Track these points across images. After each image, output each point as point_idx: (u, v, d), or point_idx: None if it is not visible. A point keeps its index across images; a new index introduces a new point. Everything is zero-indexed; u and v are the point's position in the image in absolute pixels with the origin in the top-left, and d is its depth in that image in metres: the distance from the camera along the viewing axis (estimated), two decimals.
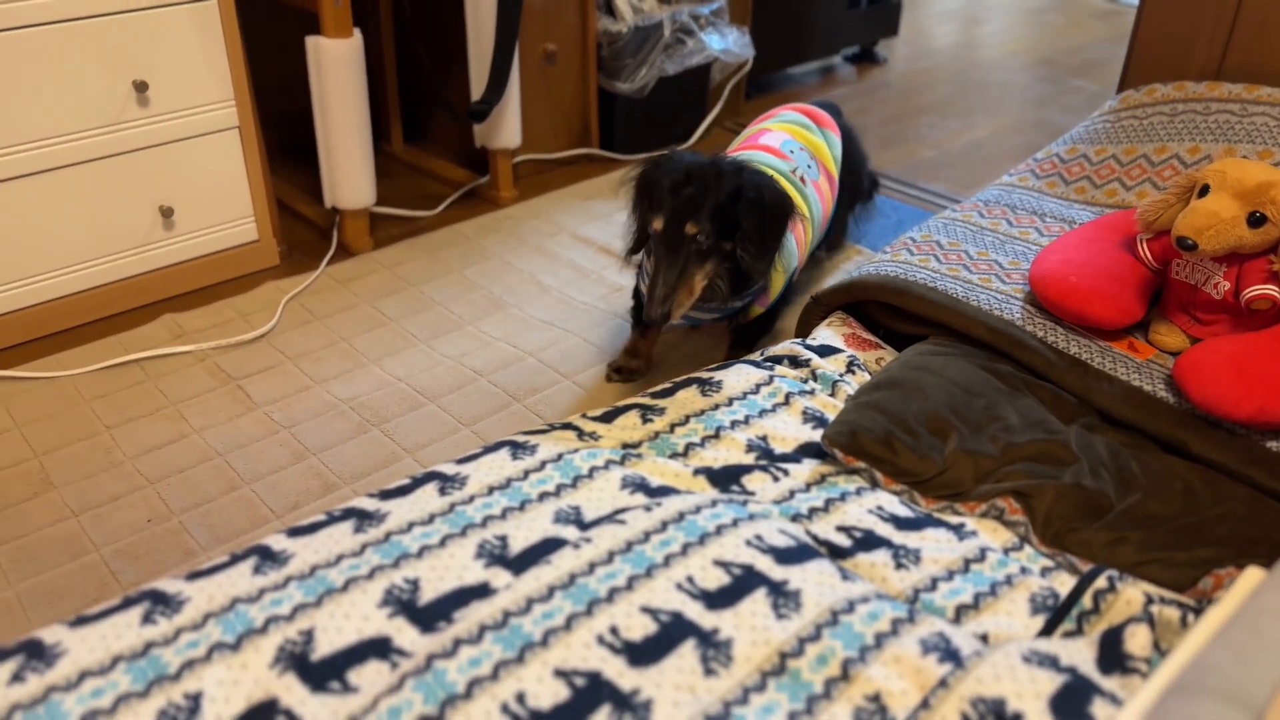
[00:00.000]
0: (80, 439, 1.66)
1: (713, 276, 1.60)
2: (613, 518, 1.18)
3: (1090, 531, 1.22)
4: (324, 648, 0.98)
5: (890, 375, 1.45)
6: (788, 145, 1.89)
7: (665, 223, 1.54)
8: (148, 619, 1.01)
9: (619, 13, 2.65)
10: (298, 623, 1.01)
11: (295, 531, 1.17)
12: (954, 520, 1.26)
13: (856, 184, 2.16)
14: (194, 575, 1.09)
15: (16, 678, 0.94)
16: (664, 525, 1.14)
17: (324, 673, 0.95)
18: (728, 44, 2.84)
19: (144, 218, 1.98)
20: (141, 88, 1.88)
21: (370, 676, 0.95)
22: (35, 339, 1.93)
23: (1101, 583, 1.07)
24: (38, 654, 0.97)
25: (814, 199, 1.87)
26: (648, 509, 1.18)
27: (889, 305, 1.70)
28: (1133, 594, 1.05)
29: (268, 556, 1.11)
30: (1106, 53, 3.98)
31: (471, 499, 1.24)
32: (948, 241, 1.82)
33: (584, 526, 1.18)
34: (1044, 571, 1.19)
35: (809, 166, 1.89)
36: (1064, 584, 1.15)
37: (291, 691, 0.93)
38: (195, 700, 0.92)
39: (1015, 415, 1.38)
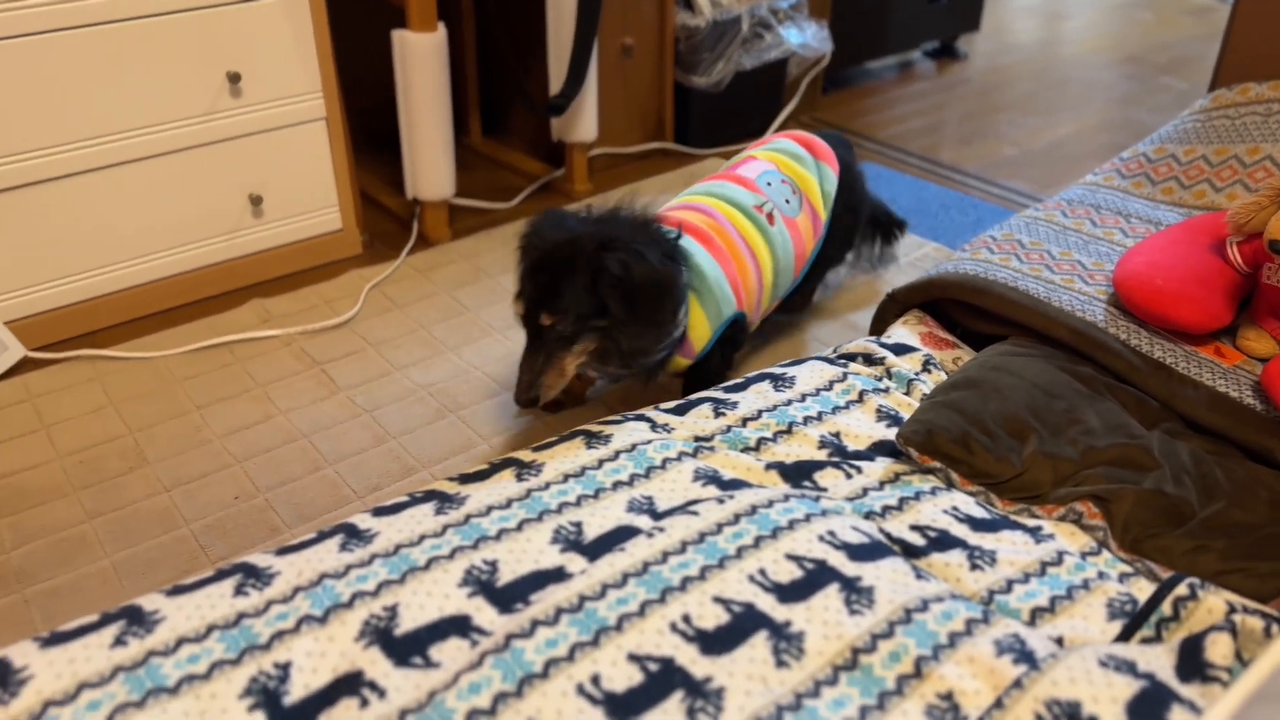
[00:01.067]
0: (172, 417, 1.72)
1: (592, 354, 1.49)
2: (685, 508, 1.19)
3: (1171, 538, 1.20)
4: (407, 623, 1.01)
5: (968, 375, 1.44)
6: (765, 177, 1.76)
7: (525, 310, 1.46)
8: (240, 590, 1.05)
9: (697, 7, 2.65)
10: (382, 598, 1.04)
11: (379, 511, 1.21)
12: (1031, 523, 1.25)
13: (850, 227, 1.94)
14: (283, 550, 1.13)
15: (119, 641, 0.99)
16: (736, 518, 1.15)
17: (407, 647, 0.99)
18: (806, 38, 2.83)
19: (235, 205, 2.05)
20: (235, 79, 1.94)
21: (451, 653, 0.98)
22: (131, 320, 2.01)
23: (1182, 590, 1.06)
24: (138, 620, 1.02)
25: (782, 238, 1.72)
26: (720, 501, 1.19)
27: (967, 304, 1.68)
28: (1214, 602, 1.04)
29: (354, 534, 1.15)
30: (1197, 50, 3.87)
31: (547, 485, 1.26)
32: (1030, 241, 1.79)
33: (657, 516, 1.20)
34: (1122, 577, 1.17)
35: (786, 202, 1.75)
36: (1142, 590, 1.14)
37: (376, 665, 0.97)
38: (285, 669, 0.96)
39: (1096, 419, 1.36)
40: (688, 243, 1.58)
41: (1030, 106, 3.29)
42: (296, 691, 0.94)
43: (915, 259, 2.27)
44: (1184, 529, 1.20)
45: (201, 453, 1.64)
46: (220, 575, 1.09)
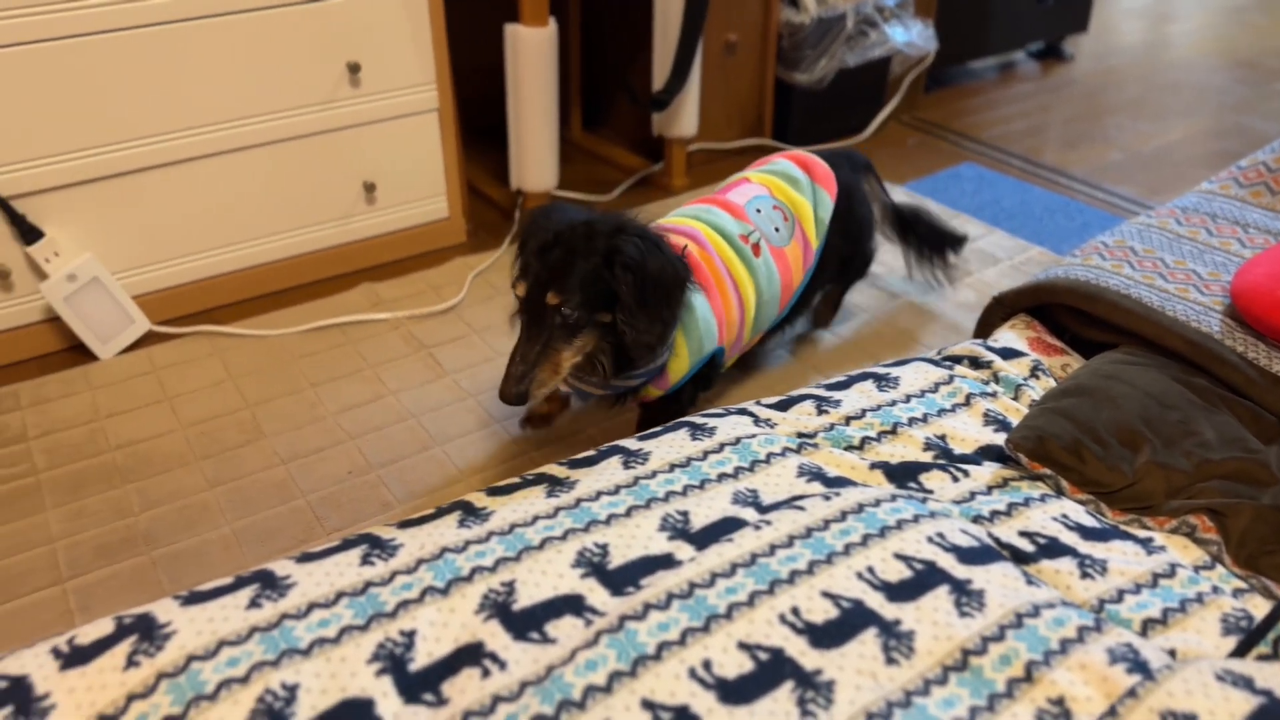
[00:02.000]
0: (287, 394, 1.79)
1: (590, 353, 1.41)
2: (791, 503, 1.21)
3: None
4: (524, 599, 1.05)
5: (1079, 382, 1.42)
6: (755, 203, 1.65)
7: (528, 290, 1.35)
8: (366, 560, 1.10)
9: (803, 4, 2.65)
10: (500, 574, 1.08)
11: (493, 491, 1.25)
12: (1142, 534, 1.24)
13: (848, 259, 1.83)
14: (405, 524, 1.18)
15: (254, 603, 1.05)
16: (843, 515, 1.16)
17: (524, 622, 1.02)
18: (911, 36, 2.81)
19: (349, 192, 2.12)
20: (354, 69, 2.01)
21: (566, 630, 1.02)
22: (248, 299, 2.09)
23: None
24: (271, 584, 1.08)
25: (768, 271, 1.62)
26: (826, 498, 1.20)
27: (1077, 310, 1.66)
28: None
29: (470, 512, 1.19)
30: None
31: (654, 474, 1.29)
32: (1142, 248, 1.76)
33: (762, 510, 1.22)
34: (1236, 593, 1.15)
35: (776, 230, 1.64)
36: (1258, 607, 1.12)
37: (496, 637, 1.00)
38: (410, 637, 1.00)
39: (1211, 431, 1.33)
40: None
41: (1138, 110, 3.21)
42: (421, 659, 0.98)
43: (1019, 262, 2.24)
44: None
45: (316, 428, 1.70)
46: (346, 545, 1.14)
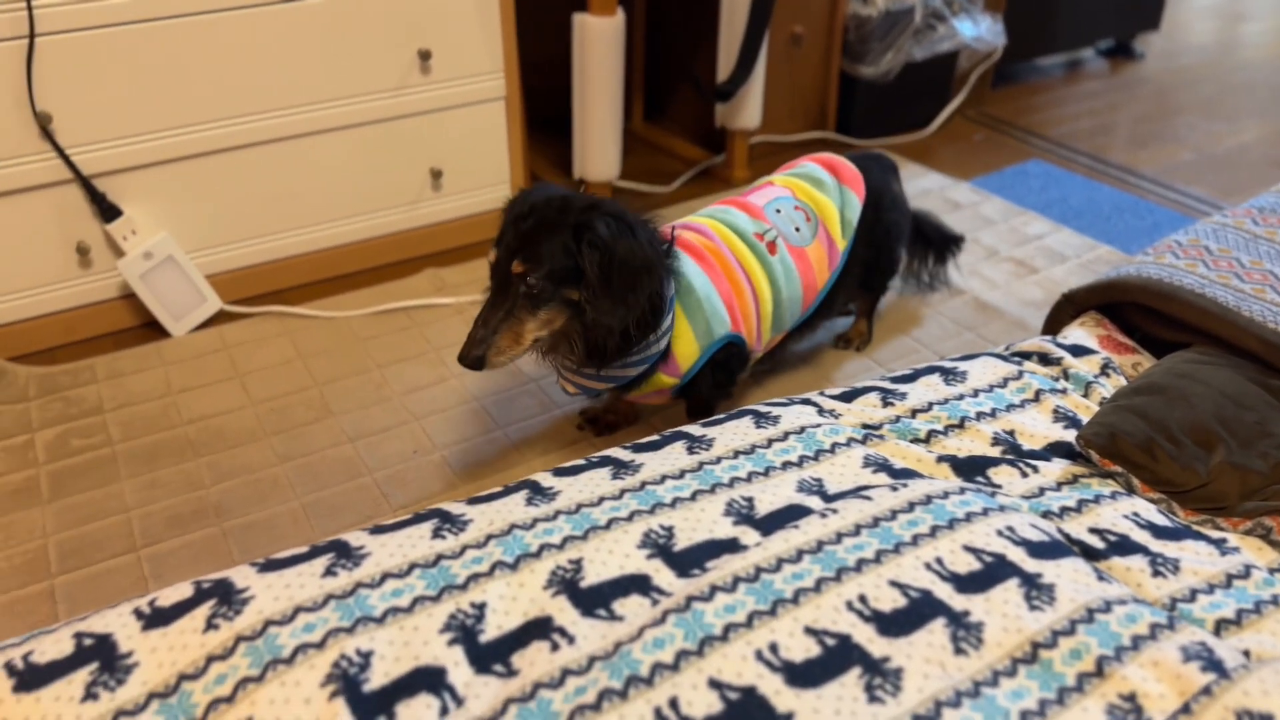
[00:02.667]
0: (355, 374, 1.83)
1: (556, 331, 1.39)
2: (857, 493, 1.20)
3: None
4: (591, 577, 1.06)
5: (1152, 380, 1.40)
6: (775, 204, 1.63)
7: (497, 257, 1.35)
8: (437, 534, 1.12)
9: None
10: (567, 552, 1.09)
11: (559, 471, 1.26)
12: (1215, 535, 1.21)
13: (875, 261, 1.79)
14: (474, 500, 1.19)
15: (329, 571, 1.07)
16: (911, 506, 1.16)
17: (592, 599, 1.03)
18: (979, 31, 2.77)
19: (417, 178, 2.15)
20: (425, 56, 2.04)
21: (633, 608, 1.03)
22: (317, 281, 2.13)
23: None
24: (345, 553, 1.10)
25: (785, 269, 1.59)
26: (893, 489, 1.20)
27: (1148, 309, 1.63)
28: None
29: (538, 491, 1.20)
30: None
31: (719, 460, 1.29)
32: (1217, 248, 1.72)
33: (828, 499, 1.22)
34: None
35: (796, 230, 1.62)
36: None
37: (564, 612, 1.01)
38: (480, 609, 1.02)
39: None
40: (679, 255, 1.49)
41: (1211, 110, 3.14)
42: (491, 631, 1.00)
43: (1087, 261, 2.21)
44: None
45: (382, 408, 1.73)
46: (418, 518, 1.16)
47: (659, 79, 2.95)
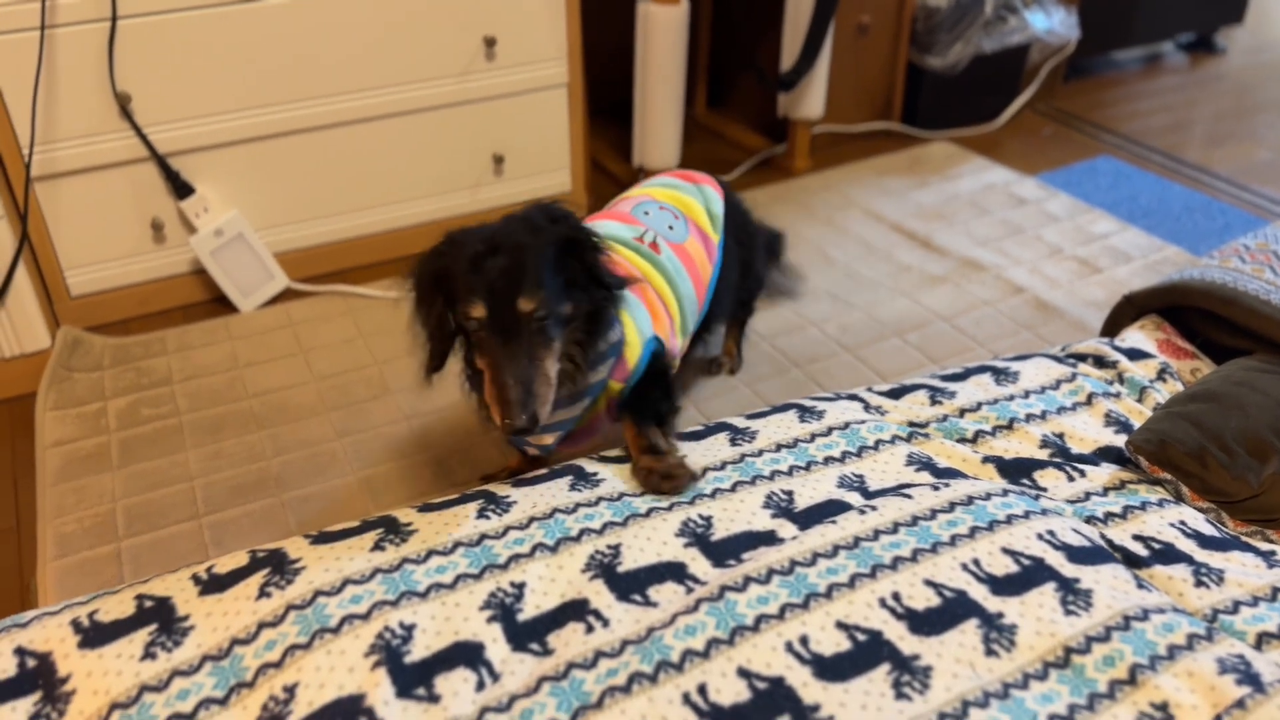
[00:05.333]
0: (412, 355, 1.87)
1: (561, 356, 1.25)
2: (898, 491, 1.21)
3: None
4: (628, 563, 1.08)
5: (1209, 388, 1.38)
6: (640, 208, 1.55)
7: (490, 306, 1.16)
8: (482, 514, 1.15)
9: None
10: (606, 537, 1.12)
11: (604, 459, 1.29)
12: (1264, 546, 1.19)
13: (743, 261, 1.70)
14: (519, 483, 1.23)
15: (378, 546, 1.11)
16: (952, 506, 1.16)
17: (628, 584, 1.06)
18: (1052, 24, 2.72)
19: (480, 162, 2.19)
20: (490, 43, 2.06)
21: (667, 595, 1.05)
22: (381, 262, 2.18)
23: None
24: (394, 529, 1.14)
25: (674, 266, 1.50)
26: (935, 488, 1.20)
27: (1211, 314, 1.60)
28: None
29: (581, 476, 1.23)
30: None
31: (760, 453, 1.30)
32: None
33: (868, 495, 1.22)
34: None
35: (670, 228, 1.53)
36: None
37: (600, 595, 1.04)
38: (520, 589, 1.05)
39: None
40: None
41: None
42: (529, 610, 1.03)
43: (1153, 262, 2.16)
44: None
45: (438, 389, 1.76)
46: (465, 498, 1.19)
47: (723, 66, 2.95)
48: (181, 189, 1.92)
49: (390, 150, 2.09)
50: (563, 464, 1.27)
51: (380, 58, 1.99)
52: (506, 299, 1.17)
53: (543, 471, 1.26)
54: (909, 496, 1.18)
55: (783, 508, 1.20)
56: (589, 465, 1.26)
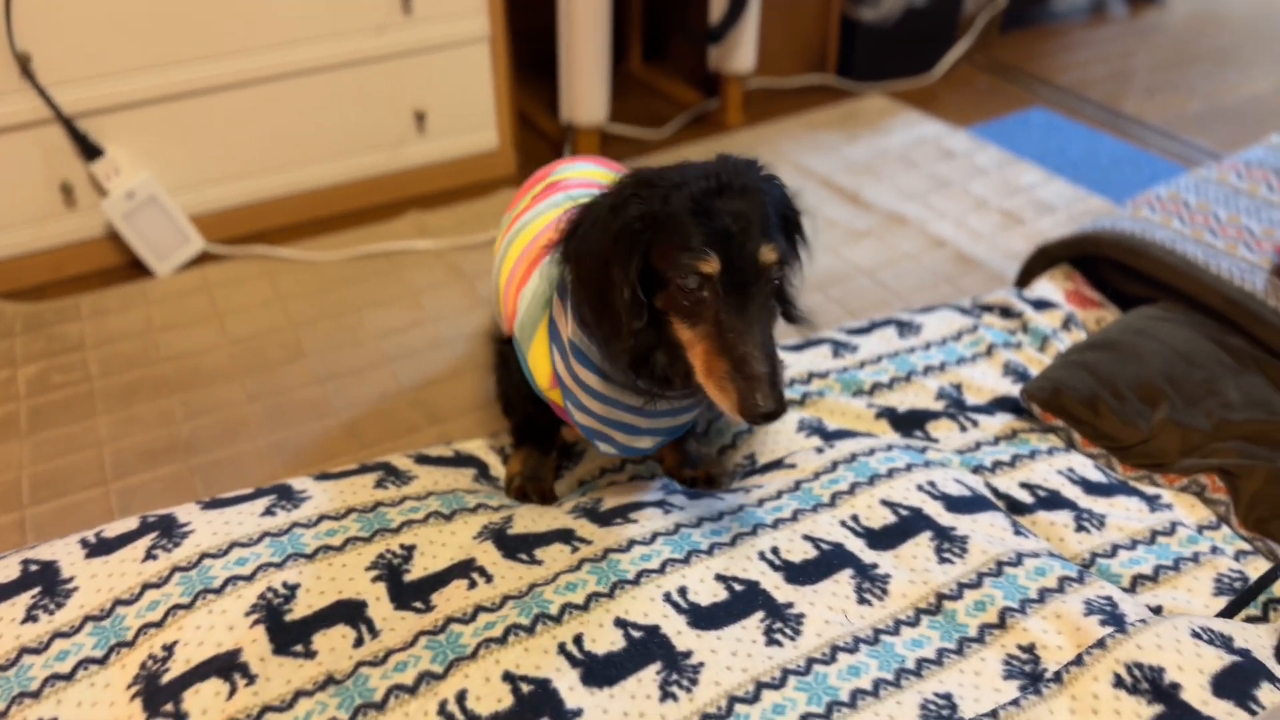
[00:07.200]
0: (331, 316, 1.85)
1: None
2: (782, 463, 1.21)
3: None
4: (519, 529, 1.09)
5: (1108, 336, 1.40)
6: (579, 194, 1.25)
7: (729, 256, 0.95)
8: (380, 484, 1.15)
9: None
10: (502, 513, 1.12)
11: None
12: (1150, 490, 1.22)
13: None
14: (423, 459, 1.22)
15: (269, 511, 1.11)
16: (834, 465, 1.17)
17: (516, 545, 1.06)
18: None
19: (401, 120, 2.16)
20: None
21: (554, 555, 1.05)
22: (300, 223, 2.15)
23: None
24: (288, 496, 1.13)
25: None
26: (819, 450, 1.21)
27: (1121, 263, 1.62)
28: None
29: (486, 475, 1.24)
30: None
31: None
32: (1196, 202, 1.70)
33: (756, 471, 1.24)
34: (1239, 555, 1.13)
35: None
36: (1257, 570, 1.10)
37: (488, 554, 1.05)
38: (409, 550, 1.05)
39: (1236, 392, 1.30)
40: None
41: (1229, 58, 3.05)
42: (417, 571, 1.04)
43: (1077, 213, 2.18)
44: None
45: (355, 351, 1.76)
46: (364, 469, 1.19)
47: (659, 20, 2.91)
48: (90, 151, 1.88)
49: (307, 108, 2.06)
50: (468, 453, 1.28)
51: (293, 12, 1.95)
52: (744, 250, 0.96)
53: (449, 454, 1.26)
54: (793, 465, 1.19)
55: (672, 487, 1.20)
56: (489, 459, 1.27)
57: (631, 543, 1.05)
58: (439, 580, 1.03)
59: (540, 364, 1.09)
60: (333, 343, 1.78)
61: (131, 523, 1.12)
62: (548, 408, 1.15)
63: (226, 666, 0.92)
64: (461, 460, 1.27)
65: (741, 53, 2.47)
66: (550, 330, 1.07)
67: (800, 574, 1.01)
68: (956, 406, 1.32)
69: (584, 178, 1.38)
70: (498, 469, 1.29)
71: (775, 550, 1.04)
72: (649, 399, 1.03)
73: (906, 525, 1.06)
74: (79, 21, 1.79)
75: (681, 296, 0.96)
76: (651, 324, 0.99)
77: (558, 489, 1.28)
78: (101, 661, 0.96)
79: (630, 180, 1.01)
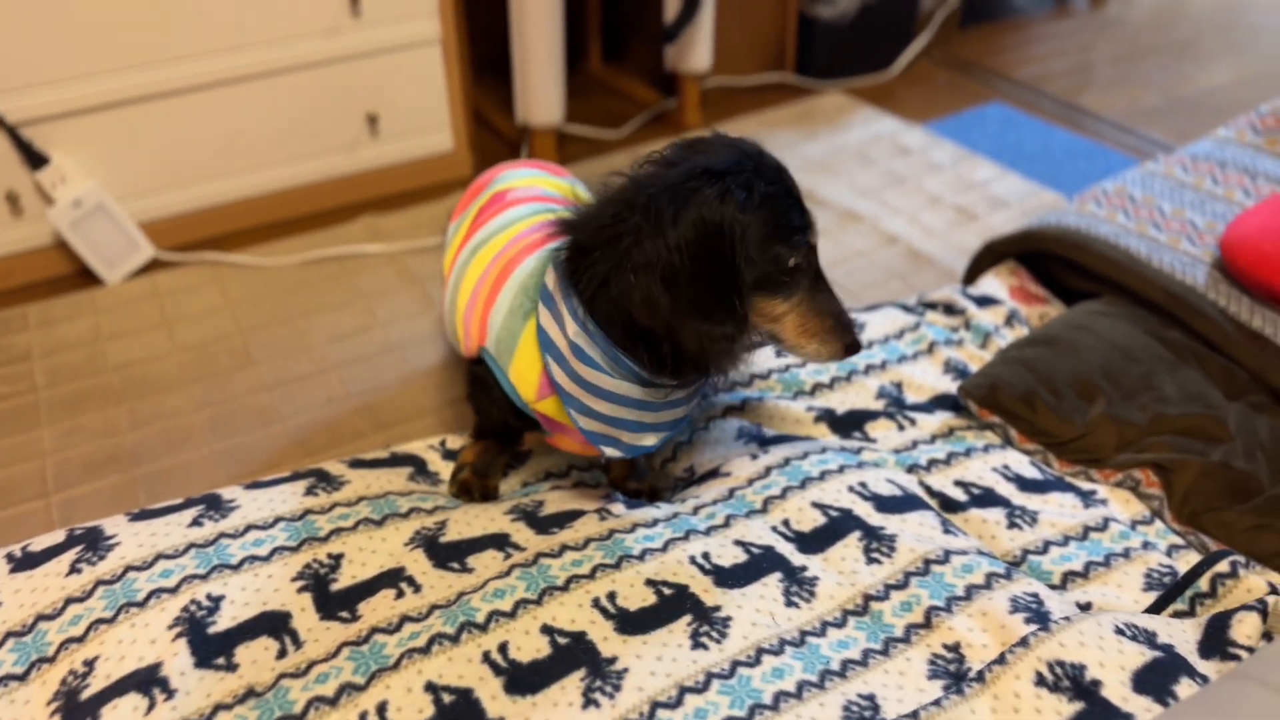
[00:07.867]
0: (280, 322, 1.84)
1: None
2: (718, 472, 1.21)
3: (1233, 514, 1.16)
4: (453, 535, 1.08)
5: (1048, 333, 1.40)
6: (537, 208, 1.28)
7: (815, 237, 1.04)
8: (310, 491, 1.15)
9: None
10: (436, 516, 1.12)
11: (448, 455, 1.28)
12: (1085, 486, 1.23)
13: None
14: (357, 463, 1.22)
15: (196, 522, 1.10)
16: (768, 471, 1.17)
17: (448, 553, 1.06)
18: None
19: (353, 123, 2.14)
20: None
21: (486, 561, 1.05)
22: (252, 228, 2.14)
23: (1223, 567, 1.03)
24: (216, 506, 1.13)
25: None
26: (754, 457, 1.21)
27: (1066, 259, 1.62)
28: (1255, 582, 1.00)
29: (423, 471, 1.23)
30: None
31: None
32: (1141, 195, 1.71)
33: (695, 482, 1.23)
34: (1171, 549, 1.14)
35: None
36: (1189, 564, 1.11)
37: (418, 563, 1.04)
38: (337, 560, 1.05)
39: (1172, 386, 1.31)
40: None
41: (1187, 51, 3.07)
42: (344, 580, 1.03)
43: (1030, 208, 2.19)
44: (1248, 505, 1.16)
45: (303, 356, 1.75)
46: (296, 476, 1.18)
47: (617, 19, 2.91)
48: (35, 160, 1.86)
49: (256, 112, 2.04)
50: (406, 453, 1.27)
51: (239, 16, 1.93)
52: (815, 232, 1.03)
53: (384, 456, 1.25)
54: (727, 474, 1.19)
55: (614, 496, 1.20)
56: (433, 464, 1.26)
57: (564, 548, 1.04)
58: (366, 590, 1.02)
59: (525, 377, 1.09)
60: (282, 349, 1.77)
61: (58, 536, 1.11)
62: (531, 420, 1.15)
63: (146, 681, 0.91)
64: (398, 460, 1.26)
65: (698, 52, 2.47)
66: (541, 339, 1.07)
67: (730, 578, 1.01)
68: (896, 405, 1.32)
69: (532, 186, 1.38)
70: (436, 464, 1.28)
71: (706, 555, 1.03)
72: (668, 390, 1.05)
73: (836, 526, 1.06)
74: (20, 28, 1.77)
75: (780, 273, 0.98)
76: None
77: (501, 487, 1.28)
78: (22, 678, 0.95)
79: (696, 168, 0.98)
